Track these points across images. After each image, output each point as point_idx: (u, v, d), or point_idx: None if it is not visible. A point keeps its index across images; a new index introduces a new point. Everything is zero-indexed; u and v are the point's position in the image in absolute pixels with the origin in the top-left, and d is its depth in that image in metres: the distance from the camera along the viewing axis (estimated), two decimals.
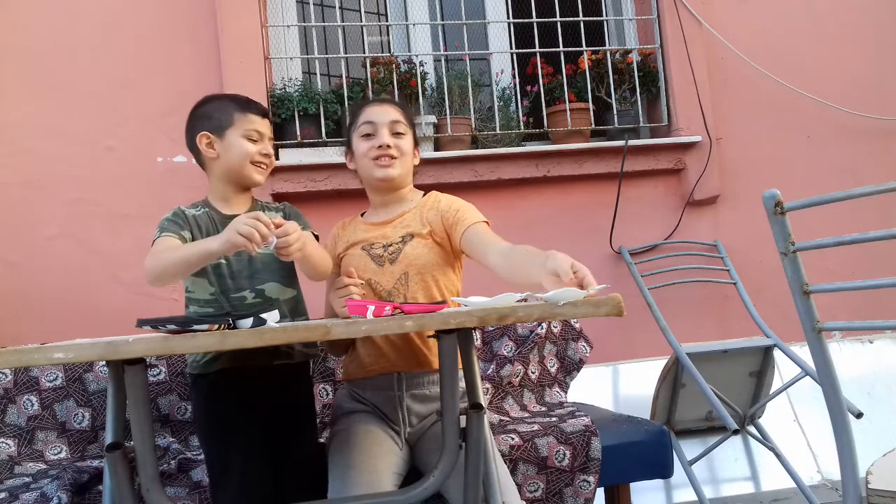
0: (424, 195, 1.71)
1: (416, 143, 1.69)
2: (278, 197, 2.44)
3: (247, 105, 1.56)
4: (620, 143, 2.71)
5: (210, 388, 1.48)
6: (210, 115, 1.54)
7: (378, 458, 1.46)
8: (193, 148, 1.57)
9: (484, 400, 1.33)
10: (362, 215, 1.73)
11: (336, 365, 2.08)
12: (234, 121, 1.53)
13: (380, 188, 1.65)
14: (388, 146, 1.59)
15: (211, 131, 1.53)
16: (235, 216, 1.52)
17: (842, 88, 2.95)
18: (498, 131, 2.69)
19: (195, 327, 1.04)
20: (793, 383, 2.36)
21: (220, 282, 1.49)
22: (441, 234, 1.60)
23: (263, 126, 1.57)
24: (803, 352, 2.25)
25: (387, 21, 2.97)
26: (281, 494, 1.45)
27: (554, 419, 1.91)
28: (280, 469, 1.49)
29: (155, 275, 1.34)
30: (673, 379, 2.38)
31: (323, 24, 2.74)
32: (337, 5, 2.69)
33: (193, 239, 1.48)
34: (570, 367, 2.28)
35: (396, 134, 1.61)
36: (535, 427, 1.80)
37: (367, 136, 1.61)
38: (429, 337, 1.56)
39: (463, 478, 1.31)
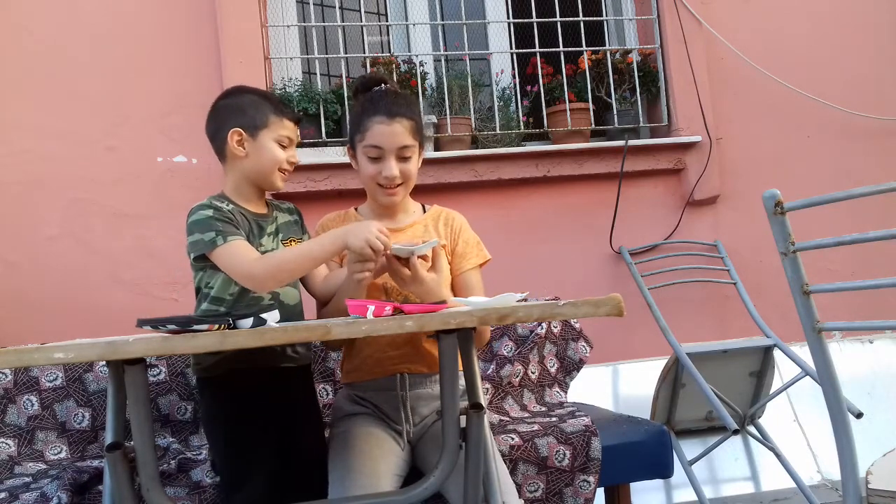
0: (426, 209, 1.71)
1: (422, 145, 1.62)
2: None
3: (283, 108, 1.52)
4: (620, 143, 2.71)
5: (221, 391, 1.47)
6: (244, 110, 1.49)
7: (379, 461, 1.46)
8: (217, 139, 1.51)
9: (484, 400, 1.33)
10: (356, 209, 1.72)
11: (336, 365, 2.08)
12: (269, 123, 1.49)
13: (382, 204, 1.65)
14: (394, 177, 1.55)
15: (244, 128, 1.48)
16: (262, 214, 1.53)
17: (842, 88, 2.95)
18: (498, 131, 2.69)
19: (195, 327, 1.04)
20: (793, 383, 2.36)
21: None
22: (449, 251, 1.64)
23: (294, 132, 1.54)
24: (803, 352, 2.25)
25: (387, 21, 2.97)
26: (293, 494, 1.45)
27: (554, 419, 1.91)
28: (292, 470, 1.49)
29: (272, 278, 1.35)
30: (673, 379, 2.38)
31: (323, 24, 2.74)
32: (337, 5, 2.69)
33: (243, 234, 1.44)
34: (570, 367, 2.28)
35: (404, 158, 1.56)
36: (535, 427, 1.80)
37: (374, 159, 1.56)
38: (429, 337, 1.56)
39: (463, 478, 1.31)
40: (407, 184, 1.60)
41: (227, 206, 1.47)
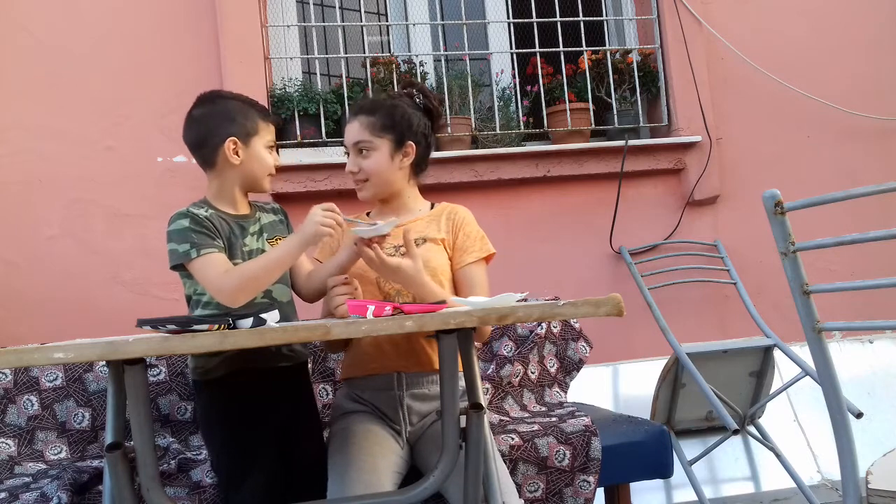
0: (433, 206, 1.71)
1: (403, 142, 1.60)
2: (278, 197, 2.44)
3: (267, 113, 1.55)
4: (620, 143, 2.71)
5: (219, 391, 1.47)
6: (233, 117, 1.49)
7: (378, 457, 1.46)
8: (207, 146, 1.49)
9: (484, 400, 1.33)
10: (367, 214, 1.74)
11: (336, 365, 2.08)
12: (259, 130, 1.51)
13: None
14: (353, 172, 1.61)
15: (238, 137, 1.48)
16: (243, 216, 1.53)
17: (842, 89, 2.95)
18: (498, 131, 2.69)
19: (195, 327, 1.04)
20: (793, 383, 2.36)
21: None
22: (450, 246, 1.63)
23: (274, 134, 1.58)
24: (803, 352, 2.25)
25: (387, 21, 2.97)
26: (293, 495, 1.45)
27: (554, 419, 1.91)
28: (291, 469, 1.49)
29: (240, 291, 1.36)
30: (673, 379, 2.38)
31: (323, 24, 2.74)
32: (337, 5, 2.69)
33: (222, 243, 1.44)
34: (570, 367, 2.28)
35: (363, 152, 1.59)
36: (535, 427, 1.80)
37: (347, 155, 1.64)
38: (429, 337, 1.56)
39: (463, 478, 1.31)
40: (372, 180, 1.60)
41: (206, 211, 1.47)
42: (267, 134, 1.53)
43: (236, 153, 1.49)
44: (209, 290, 1.39)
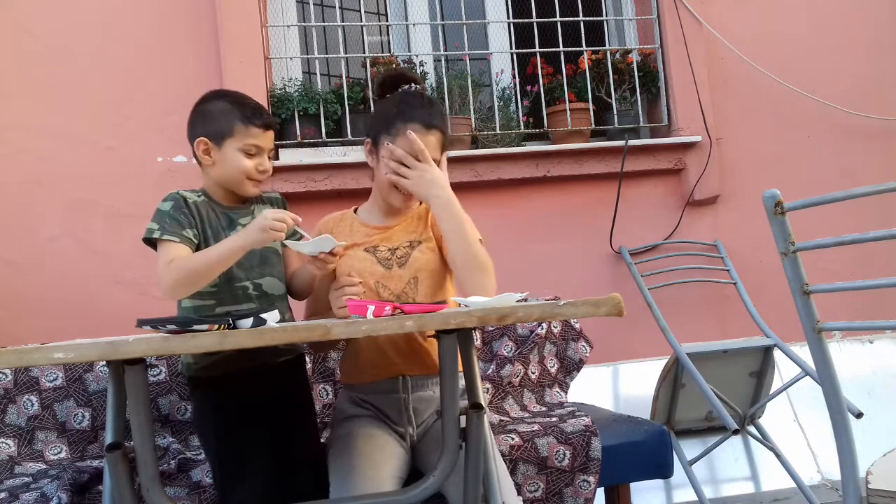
0: (421, 203, 1.69)
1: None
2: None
3: (251, 116, 1.49)
4: (620, 143, 2.71)
5: (213, 390, 1.47)
6: (212, 117, 1.48)
7: (381, 463, 1.45)
8: (190, 144, 1.52)
9: (484, 400, 1.33)
10: (355, 211, 1.70)
11: (336, 365, 2.08)
12: (234, 132, 1.47)
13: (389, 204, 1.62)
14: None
15: (209, 137, 1.47)
16: (236, 208, 1.53)
17: (842, 88, 2.95)
18: (498, 131, 2.69)
19: (195, 327, 1.04)
20: (793, 383, 2.36)
21: (228, 270, 1.44)
22: (436, 237, 1.60)
23: (264, 139, 1.50)
24: (803, 352, 2.25)
25: (387, 21, 2.97)
26: (288, 493, 1.45)
27: (554, 419, 1.91)
28: (287, 468, 1.49)
29: (179, 285, 1.36)
30: (673, 379, 2.38)
31: (323, 24, 2.74)
32: (337, 5, 2.69)
33: (197, 232, 1.44)
34: (570, 367, 2.28)
35: None
36: (535, 427, 1.80)
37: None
38: (429, 337, 1.56)
39: (463, 478, 1.31)
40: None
41: (198, 197, 1.48)
42: (246, 137, 1.47)
43: (207, 154, 1.49)
44: (158, 279, 1.40)
